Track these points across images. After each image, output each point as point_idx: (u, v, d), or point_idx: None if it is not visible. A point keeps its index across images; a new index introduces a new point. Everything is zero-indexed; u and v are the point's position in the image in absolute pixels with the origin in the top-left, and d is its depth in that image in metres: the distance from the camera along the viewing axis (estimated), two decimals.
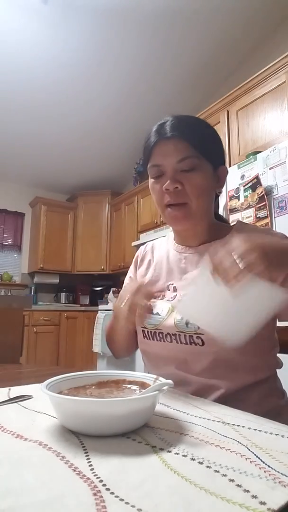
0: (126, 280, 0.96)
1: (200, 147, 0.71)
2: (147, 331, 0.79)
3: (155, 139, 0.72)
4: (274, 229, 0.79)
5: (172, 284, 0.80)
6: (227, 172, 0.80)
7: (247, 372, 0.70)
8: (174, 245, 0.86)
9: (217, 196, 0.83)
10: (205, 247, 0.79)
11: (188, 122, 0.74)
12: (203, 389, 0.69)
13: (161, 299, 0.80)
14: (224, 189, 2.24)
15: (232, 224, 0.85)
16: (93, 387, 0.55)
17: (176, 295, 0.78)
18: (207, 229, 0.80)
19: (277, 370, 0.80)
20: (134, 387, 0.55)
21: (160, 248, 0.91)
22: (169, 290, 0.80)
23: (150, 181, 0.77)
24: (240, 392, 0.69)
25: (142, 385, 0.54)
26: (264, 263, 0.47)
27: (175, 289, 0.79)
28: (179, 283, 0.79)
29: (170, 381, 0.48)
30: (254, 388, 0.71)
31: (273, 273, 0.48)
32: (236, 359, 0.69)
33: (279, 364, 0.78)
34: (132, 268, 0.96)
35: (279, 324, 0.91)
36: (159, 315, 0.77)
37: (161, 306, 0.78)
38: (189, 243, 0.82)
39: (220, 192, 0.81)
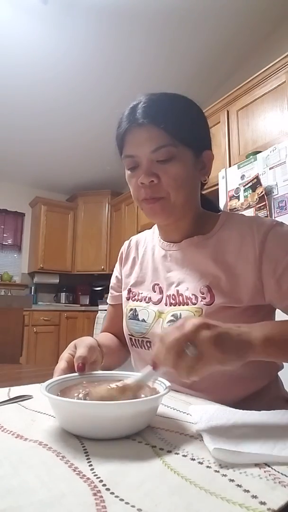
0: (113, 280, 0.90)
1: (177, 133, 0.63)
2: (135, 339, 0.75)
3: (126, 126, 0.65)
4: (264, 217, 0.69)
5: (158, 284, 0.75)
6: (212, 157, 0.71)
7: (244, 381, 0.66)
8: (159, 241, 0.80)
9: (203, 184, 0.75)
10: (187, 243, 0.73)
11: (163, 104, 0.65)
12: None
13: (146, 302, 0.75)
14: (224, 189, 2.25)
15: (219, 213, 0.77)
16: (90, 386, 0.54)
17: (161, 297, 0.73)
18: (191, 221, 0.73)
19: (279, 372, 0.75)
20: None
21: (145, 243, 0.85)
22: (154, 291, 0.75)
23: (127, 172, 0.69)
24: (238, 404, 0.62)
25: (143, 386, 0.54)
26: (215, 351, 0.42)
27: (160, 290, 0.74)
28: (164, 283, 0.74)
29: (168, 383, 0.48)
30: (254, 401, 0.65)
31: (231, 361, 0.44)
32: (231, 370, 0.64)
33: (279, 367, 0.74)
34: (117, 266, 0.90)
35: None
36: (145, 321, 0.72)
37: (147, 312, 0.73)
38: (173, 238, 0.76)
39: (206, 180, 0.72)
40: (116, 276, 0.90)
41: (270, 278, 0.62)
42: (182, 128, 0.64)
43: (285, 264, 0.61)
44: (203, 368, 0.42)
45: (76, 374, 0.55)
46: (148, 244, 0.84)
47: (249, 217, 0.72)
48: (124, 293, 0.83)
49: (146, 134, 0.63)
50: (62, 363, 0.59)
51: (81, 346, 0.61)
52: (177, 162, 0.64)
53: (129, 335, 0.76)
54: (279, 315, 0.67)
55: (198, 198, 0.75)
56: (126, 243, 0.91)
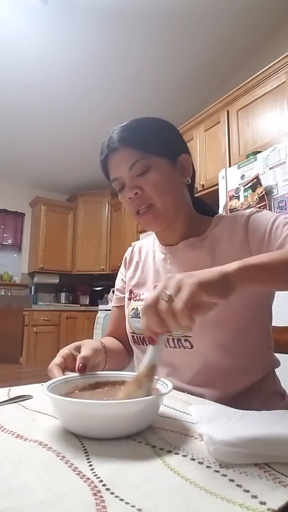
0: (118, 282, 0.94)
1: (146, 147, 0.70)
2: (136, 336, 0.79)
3: (105, 154, 0.74)
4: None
5: None
6: (190, 159, 0.78)
7: (240, 374, 0.69)
8: (159, 246, 0.85)
9: (191, 187, 0.81)
10: (184, 245, 0.77)
11: (131, 127, 0.73)
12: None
13: None
14: (224, 189, 2.25)
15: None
16: (95, 389, 0.54)
17: None
18: (184, 223, 0.78)
19: (276, 370, 0.77)
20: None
21: (147, 247, 0.90)
22: None
23: (119, 195, 0.77)
24: (235, 399, 0.67)
25: None
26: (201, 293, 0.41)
27: None
28: None
29: (170, 384, 0.48)
30: (250, 394, 0.69)
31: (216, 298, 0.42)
32: (227, 362, 0.68)
33: (275, 363, 0.76)
34: (122, 269, 0.95)
35: (280, 324, 0.91)
36: None
37: None
38: (170, 242, 0.80)
39: (189, 181, 0.78)
40: (122, 279, 0.94)
41: (259, 252, 0.66)
42: (149, 142, 0.71)
43: (266, 237, 0.67)
44: (185, 304, 0.40)
45: (77, 374, 0.55)
46: (149, 249, 0.89)
47: (236, 213, 0.77)
48: (126, 294, 0.87)
49: (120, 156, 0.72)
50: (57, 359, 0.61)
51: (86, 347, 0.62)
52: (153, 171, 0.71)
53: (131, 332, 0.80)
54: (281, 314, 0.68)
55: (187, 200, 0.79)
56: (130, 248, 0.96)
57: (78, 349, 0.64)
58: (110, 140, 0.72)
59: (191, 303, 0.40)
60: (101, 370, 0.64)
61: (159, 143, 0.73)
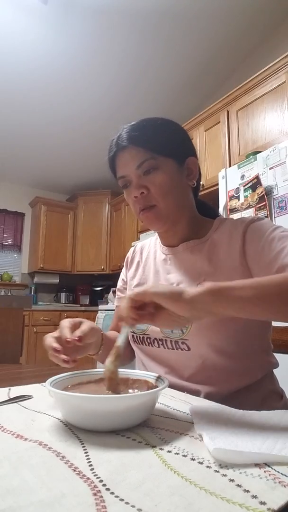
0: (120, 282, 0.96)
1: (154, 147, 0.71)
2: (136, 336, 0.80)
3: (114, 152, 0.74)
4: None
5: None
6: (197, 162, 0.78)
7: (238, 375, 0.70)
8: (160, 246, 0.86)
9: (196, 189, 0.82)
10: (184, 247, 0.78)
11: (141, 126, 0.73)
12: (195, 395, 0.68)
13: None
14: (224, 189, 2.25)
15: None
16: (98, 383, 0.56)
17: None
18: (186, 226, 0.78)
19: (274, 370, 0.78)
20: (136, 385, 0.56)
21: (148, 248, 0.91)
22: None
23: (124, 192, 0.78)
24: (233, 397, 0.68)
25: (146, 384, 0.55)
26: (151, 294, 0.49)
27: None
28: (164, 284, 0.79)
29: (167, 381, 0.50)
30: (248, 393, 0.70)
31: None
32: (224, 363, 0.68)
33: (274, 365, 0.77)
34: (123, 270, 0.97)
35: (280, 324, 0.91)
36: None
37: None
38: (171, 243, 0.81)
39: (194, 184, 0.78)
40: (123, 279, 0.95)
41: (254, 263, 0.68)
42: (158, 142, 0.72)
43: (260, 249, 0.67)
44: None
45: (82, 371, 0.57)
46: (151, 249, 0.90)
47: (237, 219, 0.77)
48: (126, 294, 0.88)
49: (129, 154, 0.72)
50: (66, 323, 0.62)
51: (86, 324, 0.64)
52: (160, 172, 0.71)
53: (131, 332, 0.81)
54: None
55: (190, 203, 0.80)
56: (132, 249, 0.97)
57: (79, 324, 0.65)
58: (119, 138, 0.73)
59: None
60: (95, 354, 0.71)
61: (168, 145, 0.73)
